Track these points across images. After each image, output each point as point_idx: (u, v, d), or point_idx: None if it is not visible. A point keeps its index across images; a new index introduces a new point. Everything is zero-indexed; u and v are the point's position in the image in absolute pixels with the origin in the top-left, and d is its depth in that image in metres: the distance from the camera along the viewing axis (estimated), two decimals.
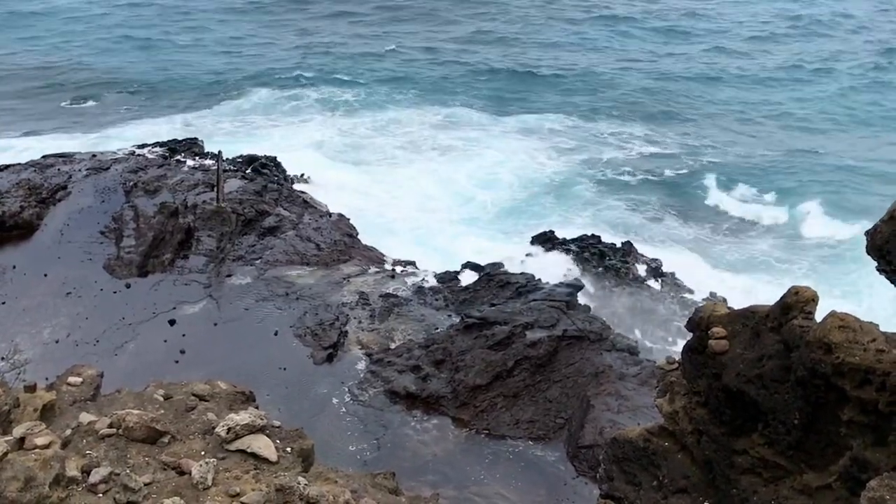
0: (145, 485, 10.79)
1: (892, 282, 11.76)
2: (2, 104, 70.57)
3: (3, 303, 30.70)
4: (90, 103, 71.92)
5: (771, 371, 12.11)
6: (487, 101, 75.43)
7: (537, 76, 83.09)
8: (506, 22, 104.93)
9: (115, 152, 45.12)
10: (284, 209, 39.85)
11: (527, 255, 39.98)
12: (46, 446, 10.66)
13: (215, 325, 30.65)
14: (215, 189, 38.47)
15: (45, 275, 32.52)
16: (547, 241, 41.00)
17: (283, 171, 48.44)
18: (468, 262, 36.95)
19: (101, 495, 10.59)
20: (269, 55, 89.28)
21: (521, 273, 35.43)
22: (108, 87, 76.33)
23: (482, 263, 36.77)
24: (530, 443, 25.95)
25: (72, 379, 14.77)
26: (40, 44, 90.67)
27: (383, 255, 37.98)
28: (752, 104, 77.37)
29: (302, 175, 50.01)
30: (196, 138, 51.09)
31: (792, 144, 66.57)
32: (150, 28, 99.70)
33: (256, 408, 13.84)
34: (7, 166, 41.55)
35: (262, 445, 11.77)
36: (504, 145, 63.73)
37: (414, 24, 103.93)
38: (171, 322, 30.47)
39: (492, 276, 34.51)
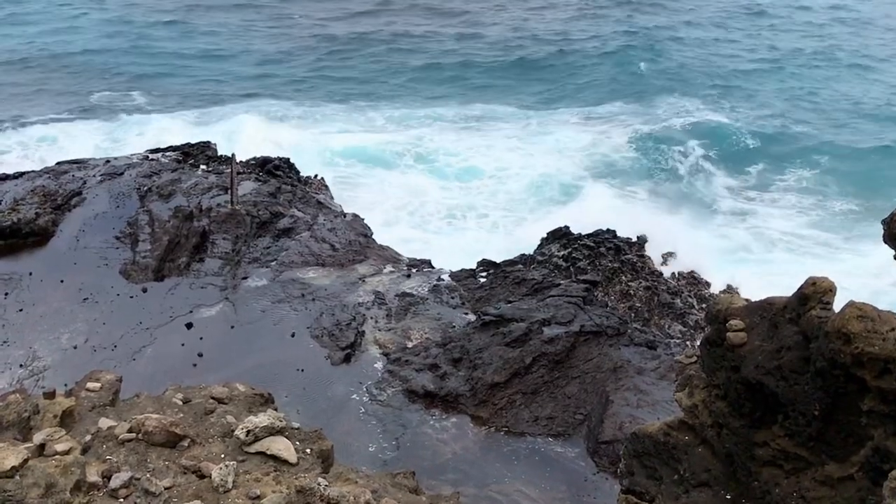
0: (166, 489, 10.82)
1: None
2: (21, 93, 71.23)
3: (21, 310, 30.75)
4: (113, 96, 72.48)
5: (790, 362, 12.09)
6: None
7: None
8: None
9: (128, 157, 45.21)
10: (299, 210, 39.88)
11: (541, 253, 39.94)
12: (67, 452, 10.70)
13: (232, 327, 30.66)
14: (229, 192, 38.51)
15: (62, 281, 32.58)
16: (562, 236, 40.96)
17: (297, 172, 48.52)
18: (483, 259, 36.94)
19: (122, 500, 10.63)
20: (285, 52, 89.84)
21: (537, 269, 35.42)
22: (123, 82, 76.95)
23: (498, 261, 36.81)
24: (550, 439, 25.89)
25: (90, 384, 14.79)
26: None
27: (398, 255, 37.97)
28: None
29: (316, 176, 50.05)
30: (209, 141, 51.11)
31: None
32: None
33: (275, 409, 13.86)
34: (22, 173, 41.67)
35: (282, 447, 11.79)
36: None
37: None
38: (189, 325, 30.49)
39: (507, 273, 34.50)
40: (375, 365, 28.97)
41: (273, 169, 46.75)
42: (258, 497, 10.66)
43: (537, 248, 40.56)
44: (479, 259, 37.11)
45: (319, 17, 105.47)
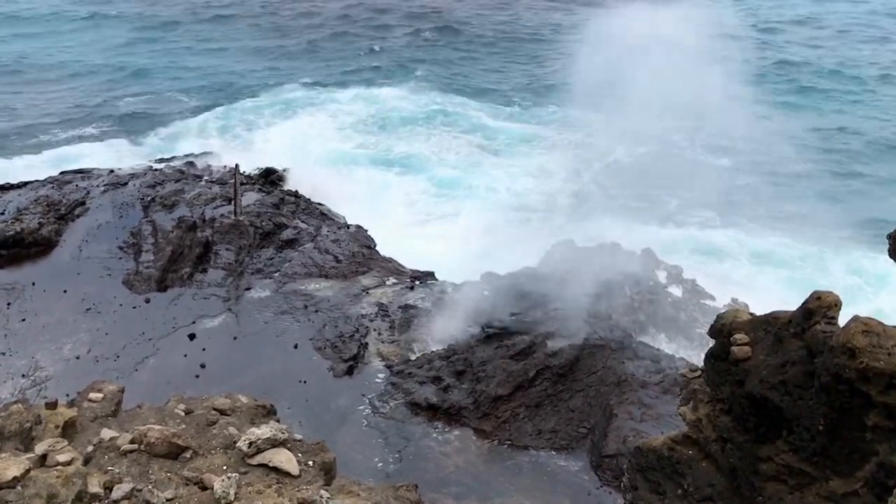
0: (167, 500, 10.77)
1: None
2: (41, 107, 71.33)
3: (24, 319, 30.77)
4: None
5: (794, 377, 12.04)
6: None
7: None
8: None
9: (132, 167, 45.30)
10: (302, 221, 39.88)
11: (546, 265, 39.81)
12: (68, 463, 10.66)
13: (235, 338, 30.65)
14: (233, 202, 38.55)
15: (65, 291, 32.59)
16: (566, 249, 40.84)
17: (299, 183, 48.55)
18: (487, 272, 36.83)
19: None
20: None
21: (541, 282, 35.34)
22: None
23: (502, 273, 36.69)
24: (553, 453, 25.83)
25: (93, 395, 14.76)
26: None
27: (402, 267, 37.92)
28: None
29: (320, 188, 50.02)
30: (212, 152, 51.29)
31: None
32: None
33: (278, 421, 13.82)
34: (25, 183, 41.74)
35: (284, 459, 11.74)
36: None
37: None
38: (191, 336, 30.48)
39: (511, 285, 34.41)
40: (378, 377, 28.95)
41: (277, 180, 46.80)
42: None
43: (541, 261, 40.44)
44: (483, 272, 37.00)
45: None
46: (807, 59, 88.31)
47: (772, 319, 12.96)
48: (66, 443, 11.33)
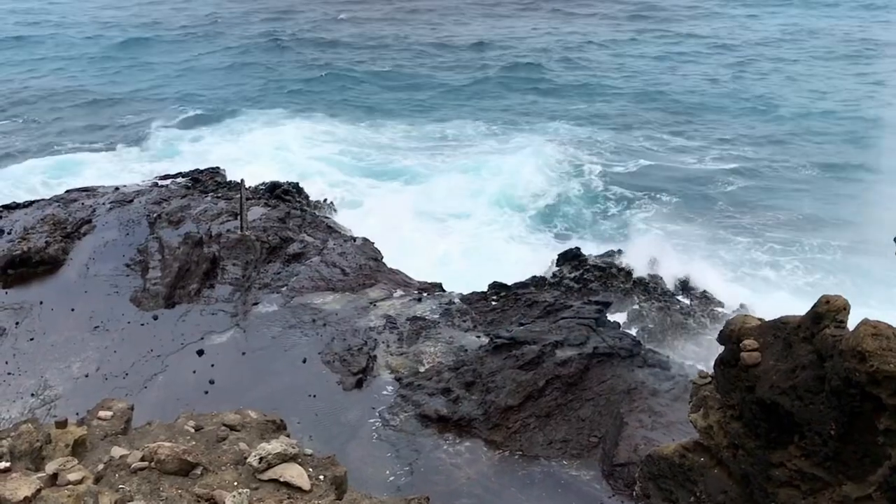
0: None
1: None
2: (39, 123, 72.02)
3: (32, 339, 30.77)
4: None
5: (805, 382, 12.00)
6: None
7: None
8: None
9: (138, 184, 45.41)
10: (308, 235, 39.88)
11: (553, 275, 39.82)
12: (79, 482, 10.65)
13: (243, 354, 30.61)
14: (239, 217, 38.55)
15: (73, 309, 32.60)
16: (573, 258, 40.86)
17: (306, 196, 48.61)
18: (495, 282, 36.83)
19: None
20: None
21: (549, 291, 35.31)
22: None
23: (509, 283, 36.70)
24: (564, 463, 25.75)
25: (102, 413, 14.75)
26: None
27: (409, 279, 37.88)
28: None
29: (325, 200, 50.15)
30: (218, 167, 51.42)
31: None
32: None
33: (288, 436, 13.80)
34: (31, 202, 41.87)
35: (295, 474, 11.72)
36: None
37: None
38: (200, 352, 30.45)
39: (519, 295, 34.40)
40: (387, 389, 28.87)
41: (282, 194, 46.85)
42: None
43: (548, 270, 40.48)
44: (491, 282, 37.01)
45: None
46: None
47: (781, 324, 12.93)
48: (76, 462, 11.32)
